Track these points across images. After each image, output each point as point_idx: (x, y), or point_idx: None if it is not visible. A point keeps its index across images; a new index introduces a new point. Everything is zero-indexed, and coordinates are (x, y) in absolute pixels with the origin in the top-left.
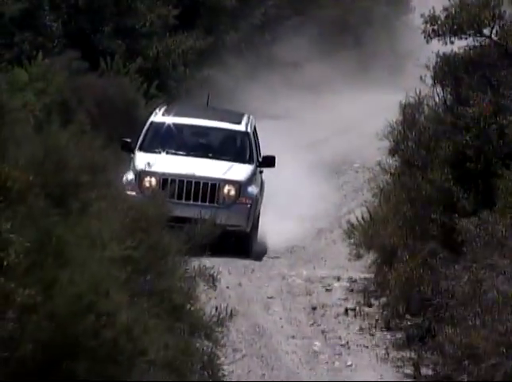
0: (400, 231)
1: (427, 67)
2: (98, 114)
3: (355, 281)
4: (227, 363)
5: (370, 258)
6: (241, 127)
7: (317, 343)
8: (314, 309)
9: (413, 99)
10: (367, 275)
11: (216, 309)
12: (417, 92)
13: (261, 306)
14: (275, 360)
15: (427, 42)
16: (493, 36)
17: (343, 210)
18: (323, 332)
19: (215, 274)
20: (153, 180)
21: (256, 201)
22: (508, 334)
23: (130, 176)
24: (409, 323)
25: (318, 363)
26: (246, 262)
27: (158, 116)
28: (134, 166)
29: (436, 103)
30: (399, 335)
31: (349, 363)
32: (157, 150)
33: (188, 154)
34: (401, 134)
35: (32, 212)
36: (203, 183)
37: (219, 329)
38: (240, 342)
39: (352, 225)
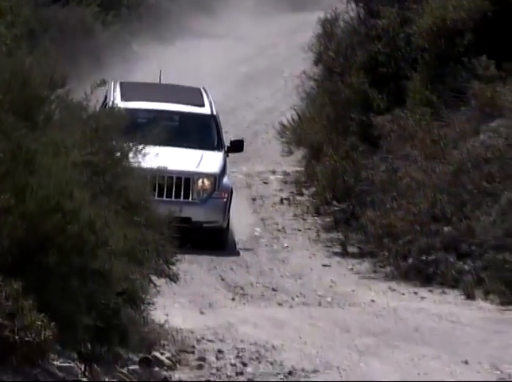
0: (324, 130)
1: None
2: (61, 41)
3: (288, 174)
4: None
5: (300, 153)
6: (206, 110)
7: (258, 229)
8: (254, 200)
9: (330, 16)
10: (298, 169)
11: None
12: (334, 9)
13: None
14: None
15: None
16: None
17: (275, 113)
18: (262, 219)
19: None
20: None
21: (231, 193)
22: (421, 214)
23: None
24: (335, 208)
25: (259, 246)
26: None
27: (117, 101)
28: None
29: (351, 18)
30: (328, 219)
31: (285, 245)
32: None
33: (153, 144)
34: (322, 46)
35: (3, 127)
36: (176, 178)
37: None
38: None
39: (284, 126)
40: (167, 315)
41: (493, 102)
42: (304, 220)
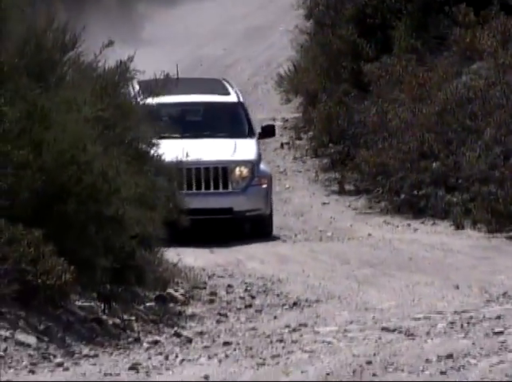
0: (319, 78)
1: None
2: (70, 3)
3: (287, 120)
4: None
5: (297, 101)
6: (232, 98)
7: None
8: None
9: None
10: (296, 115)
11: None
12: None
13: None
14: None
15: None
16: None
17: (272, 66)
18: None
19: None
20: None
21: (271, 180)
22: (410, 153)
23: None
24: (332, 150)
25: None
26: None
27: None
28: None
29: None
30: (325, 160)
31: (287, 186)
32: None
33: (182, 136)
34: (313, 1)
35: (19, 88)
36: (213, 168)
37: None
38: None
39: (281, 77)
40: (179, 255)
41: (473, 46)
42: (303, 162)
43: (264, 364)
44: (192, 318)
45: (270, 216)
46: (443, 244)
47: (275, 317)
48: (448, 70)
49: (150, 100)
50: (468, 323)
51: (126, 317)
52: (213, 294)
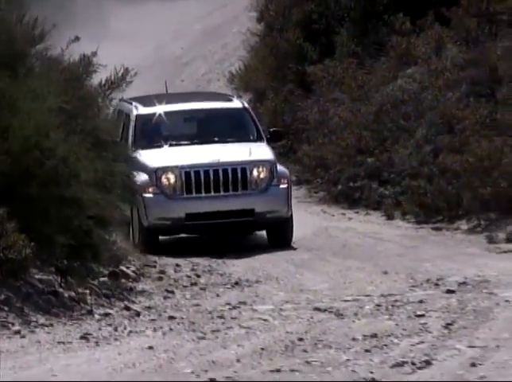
0: (267, 77)
1: None
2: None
3: None
4: None
5: (246, 97)
6: (237, 104)
7: None
8: None
9: None
10: None
11: None
12: None
13: None
14: None
15: None
16: None
17: (225, 64)
18: None
19: None
20: (173, 175)
21: (290, 180)
22: (348, 148)
23: (143, 177)
24: (277, 144)
25: None
26: None
27: (141, 108)
28: (145, 166)
29: None
30: None
31: None
32: (156, 144)
33: (192, 143)
34: (264, 6)
35: None
36: (232, 169)
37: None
38: None
39: (233, 74)
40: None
41: (408, 52)
42: None
43: (204, 338)
44: (142, 294)
45: (291, 219)
46: (374, 233)
47: (217, 295)
48: (385, 74)
49: (158, 109)
50: (393, 306)
51: (80, 290)
52: (162, 272)
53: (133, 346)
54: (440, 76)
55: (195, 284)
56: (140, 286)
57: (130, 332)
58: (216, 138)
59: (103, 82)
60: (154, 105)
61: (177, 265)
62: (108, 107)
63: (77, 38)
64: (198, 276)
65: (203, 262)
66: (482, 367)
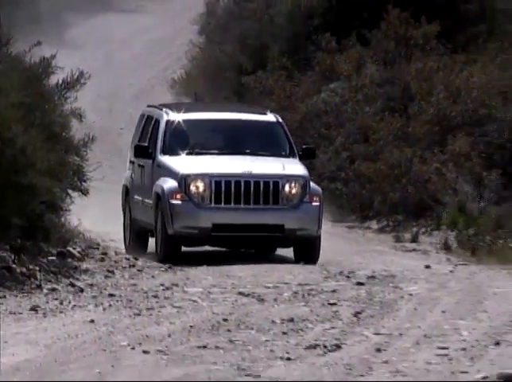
0: (206, 85)
1: None
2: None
3: None
4: (90, 171)
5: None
6: (271, 118)
7: None
8: None
9: None
10: None
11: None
12: None
13: (115, 134)
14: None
15: None
16: None
17: (168, 71)
18: None
19: (82, 113)
20: (202, 183)
21: (322, 198)
22: None
23: (171, 183)
24: None
25: None
26: None
27: (172, 114)
28: (174, 172)
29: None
30: None
31: None
32: (185, 152)
33: (221, 153)
34: (206, 20)
35: None
36: (264, 182)
37: (85, 149)
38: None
39: (175, 81)
40: (79, 219)
41: (332, 68)
42: None
43: (140, 315)
44: (85, 272)
45: (319, 238)
46: None
47: (153, 277)
48: (311, 87)
49: (190, 116)
50: (309, 294)
51: (31, 267)
52: (104, 253)
53: (76, 319)
54: (360, 91)
55: (133, 266)
56: (84, 266)
57: (74, 306)
58: (247, 150)
59: (60, 82)
60: (185, 112)
61: (118, 248)
62: (63, 105)
63: (39, 43)
64: (136, 259)
65: None
66: (386, 352)
